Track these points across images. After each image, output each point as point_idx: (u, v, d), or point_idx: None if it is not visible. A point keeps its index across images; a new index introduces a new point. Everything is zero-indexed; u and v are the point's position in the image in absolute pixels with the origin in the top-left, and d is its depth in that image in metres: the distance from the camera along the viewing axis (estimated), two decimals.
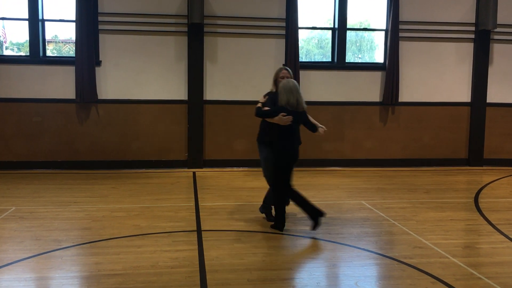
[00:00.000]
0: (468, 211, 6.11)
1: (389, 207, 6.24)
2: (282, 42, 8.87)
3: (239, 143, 8.90)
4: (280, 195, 5.19)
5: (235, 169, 8.77)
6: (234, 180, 7.93)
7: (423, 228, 5.36)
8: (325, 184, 7.71)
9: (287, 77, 5.37)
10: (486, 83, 9.25)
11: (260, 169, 5.58)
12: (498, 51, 9.29)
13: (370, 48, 9.76)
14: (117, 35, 8.49)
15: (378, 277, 4.05)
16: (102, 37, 8.45)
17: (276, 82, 5.46)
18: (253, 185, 7.48)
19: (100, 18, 8.40)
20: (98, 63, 8.45)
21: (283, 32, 8.84)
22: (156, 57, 8.61)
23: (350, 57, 9.55)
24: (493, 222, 5.60)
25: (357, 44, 9.78)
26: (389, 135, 9.30)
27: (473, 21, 9.16)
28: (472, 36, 9.21)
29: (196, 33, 8.53)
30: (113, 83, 8.55)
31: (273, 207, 5.45)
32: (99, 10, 8.39)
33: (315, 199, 6.63)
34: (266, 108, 5.21)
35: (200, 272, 4.02)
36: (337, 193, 7.08)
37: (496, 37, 9.22)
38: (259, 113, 5.21)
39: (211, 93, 8.79)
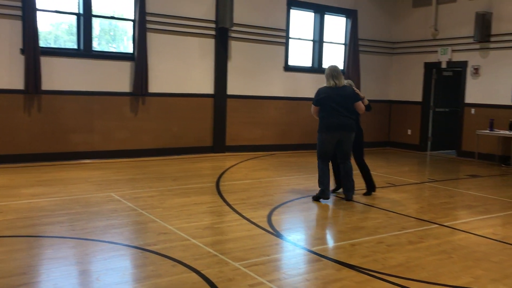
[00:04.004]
0: (210, 195, 6.63)
1: (138, 197, 6.31)
2: (18, 24, 8.00)
3: None
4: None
5: None
6: None
7: (169, 214, 5.59)
8: (73, 178, 7.32)
9: None
10: (226, 77, 10.16)
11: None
12: (235, 47, 10.29)
13: (125, 38, 9.62)
14: None
15: (120, 268, 4.04)
16: None
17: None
18: None
19: None
20: None
21: (20, 13, 7.98)
22: None
23: (104, 46, 9.25)
24: (230, 203, 6.21)
25: (111, 33, 9.53)
26: (141, 125, 9.38)
27: (214, 18, 9.92)
28: (213, 32, 9.97)
29: None
30: None
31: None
32: None
33: (61, 194, 6.27)
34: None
35: None
36: (86, 187, 6.80)
37: (233, 35, 10.20)
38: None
39: None
